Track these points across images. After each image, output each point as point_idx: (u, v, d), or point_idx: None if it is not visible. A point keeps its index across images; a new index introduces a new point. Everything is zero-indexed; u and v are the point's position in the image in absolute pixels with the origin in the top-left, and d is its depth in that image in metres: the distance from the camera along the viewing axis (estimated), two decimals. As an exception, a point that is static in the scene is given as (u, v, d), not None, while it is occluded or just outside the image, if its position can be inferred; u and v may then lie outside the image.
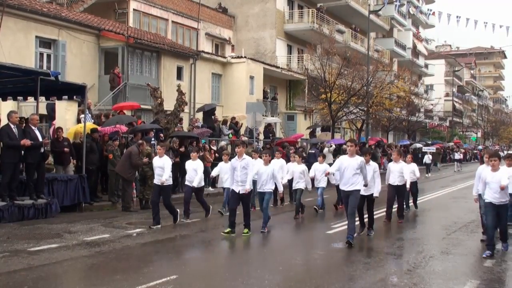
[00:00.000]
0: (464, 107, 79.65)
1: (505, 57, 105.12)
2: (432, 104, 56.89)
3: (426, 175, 29.84)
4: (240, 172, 9.83)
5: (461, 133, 71.54)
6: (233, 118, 24.14)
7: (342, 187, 9.43)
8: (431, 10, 45.59)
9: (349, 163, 9.20)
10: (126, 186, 13.17)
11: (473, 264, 8.33)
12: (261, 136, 25.16)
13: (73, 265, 7.46)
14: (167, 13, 28.98)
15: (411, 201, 14.46)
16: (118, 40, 22.02)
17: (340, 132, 38.13)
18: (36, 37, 19.66)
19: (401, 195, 12.50)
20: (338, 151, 26.53)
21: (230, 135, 22.71)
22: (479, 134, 76.59)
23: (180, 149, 16.27)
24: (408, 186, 12.54)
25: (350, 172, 9.12)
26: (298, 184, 12.92)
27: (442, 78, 73.14)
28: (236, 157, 10.18)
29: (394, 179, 12.14)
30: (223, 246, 9.50)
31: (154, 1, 27.90)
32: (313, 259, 8.17)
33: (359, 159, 9.22)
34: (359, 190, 9.27)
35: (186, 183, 11.99)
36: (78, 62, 21.20)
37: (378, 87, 33.38)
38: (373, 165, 10.37)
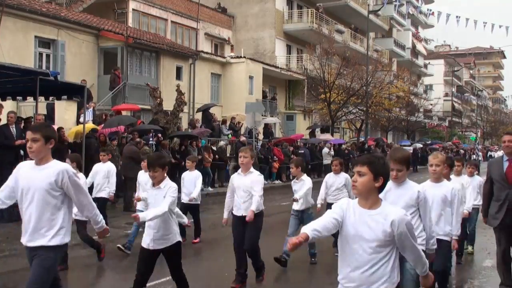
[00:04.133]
0: (463, 107, 79.70)
1: (504, 57, 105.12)
2: (431, 104, 56.99)
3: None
4: None
5: (460, 133, 71.58)
6: (233, 118, 24.14)
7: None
8: (430, 10, 45.68)
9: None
10: (129, 187, 13.17)
11: (473, 264, 8.32)
12: (261, 136, 25.18)
13: (73, 265, 7.45)
14: (166, 13, 28.97)
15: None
16: (118, 40, 22.02)
17: (340, 132, 38.17)
18: (35, 37, 19.65)
19: (253, 232, 6.62)
20: (338, 152, 26.59)
21: (230, 135, 22.71)
22: (479, 134, 76.64)
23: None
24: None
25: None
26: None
27: (441, 78, 73.20)
28: None
29: (238, 205, 6.64)
30: (222, 246, 9.49)
31: (153, 1, 27.90)
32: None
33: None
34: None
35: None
36: (78, 62, 21.20)
37: (378, 87, 33.46)
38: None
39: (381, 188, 3.30)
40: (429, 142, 46.71)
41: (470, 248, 8.69)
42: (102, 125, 15.96)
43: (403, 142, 43.36)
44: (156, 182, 5.30)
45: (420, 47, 64.21)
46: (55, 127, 14.18)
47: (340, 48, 33.32)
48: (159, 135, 17.01)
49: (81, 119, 15.18)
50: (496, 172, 6.33)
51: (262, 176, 6.70)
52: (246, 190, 6.50)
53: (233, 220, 6.69)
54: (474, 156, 36.39)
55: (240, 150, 6.76)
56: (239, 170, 6.71)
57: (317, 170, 24.96)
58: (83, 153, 13.06)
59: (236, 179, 6.70)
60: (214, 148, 19.69)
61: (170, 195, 5.20)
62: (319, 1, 37.74)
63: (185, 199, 9.23)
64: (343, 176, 8.49)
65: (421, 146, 41.52)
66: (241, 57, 29.83)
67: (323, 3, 37.70)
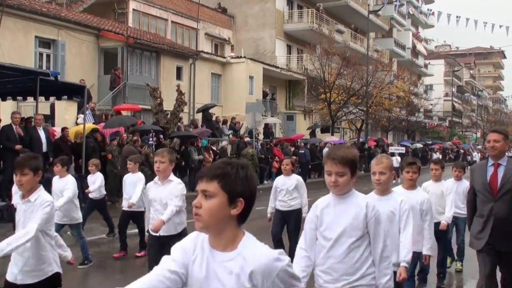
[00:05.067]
0: (464, 107, 79.71)
1: (504, 57, 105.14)
2: (431, 104, 56.98)
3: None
4: None
5: (461, 133, 71.59)
6: (233, 118, 24.16)
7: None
8: (430, 10, 45.63)
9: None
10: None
11: (473, 264, 8.31)
12: (261, 136, 25.19)
13: (72, 265, 7.43)
14: (166, 13, 28.97)
15: None
16: (118, 40, 22.02)
17: (340, 132, 38.17)
18: (36, 37, 19.65)
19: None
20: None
21: (230, 135, 22.73)
22: (479, 134, 76.65)
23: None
24: None
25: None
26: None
27: (442, 78, 73.20)
28: None
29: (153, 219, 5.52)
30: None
31: (153, 1, 27.90)
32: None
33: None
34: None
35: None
36: (78, 62, 21.20)
37: (378, 87, 33.46)
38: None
39: (242, 217, 2.03)
40: (430, 142, 46.74)
41: (458, 264, 7.57)
42: (103, 124, 15.97)
43: (404, 142, 43.38)
44: (25, 191, 3.83)
45: (420, 47, 64.22)
46: (56, 127, 14.25)
47: (340, 48, 33.30)
48: (161, 135, 17.01)
49: (79, 121, 15.21)
50: (478, 180, 4.96)
51: (183, 185, 5.45)
52: (163, 203, 5.32)
53: (149, 241, 5.54)
54: (470, 157, 36.30)
55: (156, 153, 5.48)
56: (156, 178, 5.45)
57: (317, 170, 24.97)
58: (83, 153, 13.09)
59: (152, 189, 5.44)
60: (215, 148, 19.71)
61: (42, 213, 3.79)
62: (319, 1, 37.72)
63: (125, 205, 8.04)
64: (294, 177, 7.40)
65: (422, 146, 41.53)
66: (241, 57, 29.82)
67: (323, 3, 37.69)
